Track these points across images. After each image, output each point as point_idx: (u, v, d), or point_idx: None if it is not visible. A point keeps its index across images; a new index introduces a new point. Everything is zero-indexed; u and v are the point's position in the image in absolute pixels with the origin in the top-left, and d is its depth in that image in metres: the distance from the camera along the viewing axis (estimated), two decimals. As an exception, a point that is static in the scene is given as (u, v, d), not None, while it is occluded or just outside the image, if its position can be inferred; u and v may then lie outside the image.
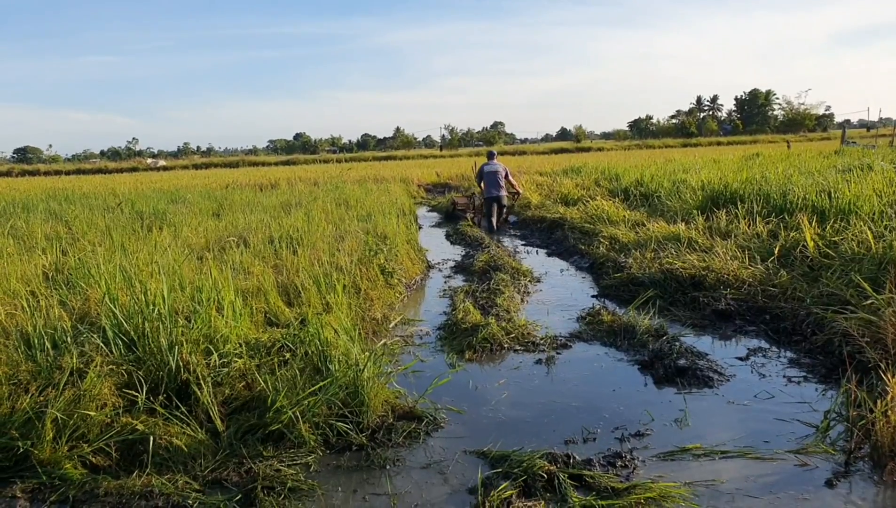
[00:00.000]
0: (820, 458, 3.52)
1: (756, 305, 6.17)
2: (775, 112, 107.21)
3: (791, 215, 8.50)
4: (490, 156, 13.47)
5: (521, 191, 14.02)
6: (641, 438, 3.87)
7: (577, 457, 3.55)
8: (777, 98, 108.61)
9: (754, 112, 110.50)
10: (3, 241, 8.83)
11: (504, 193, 12.86)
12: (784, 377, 4.74)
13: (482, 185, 13.07)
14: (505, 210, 13.29)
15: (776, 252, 7.03)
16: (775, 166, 14.82)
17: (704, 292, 6.62)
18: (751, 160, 19.47)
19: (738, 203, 9.58)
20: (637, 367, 5.07)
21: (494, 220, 12.94)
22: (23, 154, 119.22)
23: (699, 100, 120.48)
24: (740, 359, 5.14)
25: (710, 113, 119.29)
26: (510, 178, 13.06)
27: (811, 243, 6.91)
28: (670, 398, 4.47)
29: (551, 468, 3.41)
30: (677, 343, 5.25)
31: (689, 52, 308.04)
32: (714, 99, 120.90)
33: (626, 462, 3.54)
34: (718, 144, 63.63)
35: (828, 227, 7.37)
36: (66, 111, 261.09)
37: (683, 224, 9.22)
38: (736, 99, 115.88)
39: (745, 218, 8.85)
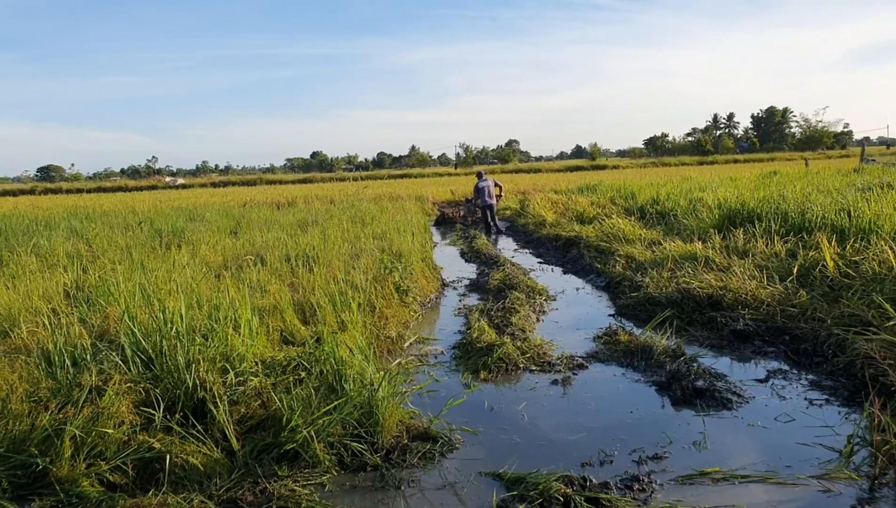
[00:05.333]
0: (843, 484, 3.45)
1: (775, 325, 6.10)
2: (792, 130, 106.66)
3: (810, 234, 8.42)
4: (479, 176, 17.07)
5: (503, 187, 18.06)
6: (659, 461, 3.82)
7: (594, 480, 3.51)
8: (794, 115, 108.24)
9: (771, 129, 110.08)
10: (27, 259, 8.96)
11: (494, 201, 16.69)
12: (805, 399, 4.67)
13: (478, 197, 16.73)
14: (496, 209, 17.05)
15: (795, 272, 6.96)
16: (793, 185, 14.70)
17: (722, 311, 6.56)
18: (768, 178, 19.36)
19: (756, 222, 9.51)
20: (654, 388, 5.02)
21: (490, 220, 16.66)
22: (46, 173, 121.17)
23: (715, 117, 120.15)
24: (760, 381, 5.07)
25: (727, 130, 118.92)
26: (495, 187, 16.83)
27: (831, 263, 6.84)
28: (688, 420, 4.41)
29: (567, 490, 3.38)
30: (695, 364, 5.20)
31: (704, 69, 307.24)
32: (730, 116, 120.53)
33: (644, 486, 3.49)
34: (735, 161, 63.32)
35: (848, 246, 7.29)
36: (88, 130, 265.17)
37: (700, 243, 9.16)
38: (752, 116, 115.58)
39: (762, 237, 8.78)
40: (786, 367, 5.35)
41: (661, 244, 9.68)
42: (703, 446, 3.99)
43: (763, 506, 3.29)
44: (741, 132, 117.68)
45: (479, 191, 16.56)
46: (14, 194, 57.01)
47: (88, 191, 56.87)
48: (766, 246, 8.39)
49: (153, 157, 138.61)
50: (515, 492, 3.45)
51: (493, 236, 15.86)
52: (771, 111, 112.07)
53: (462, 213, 19.48)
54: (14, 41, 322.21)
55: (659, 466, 3.76)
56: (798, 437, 4.06)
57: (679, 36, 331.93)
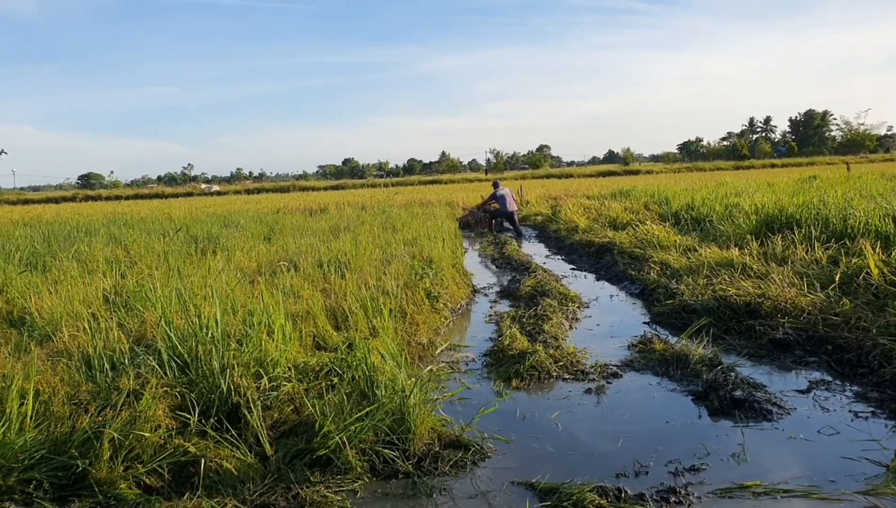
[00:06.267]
0: (891, 500, 3.33)
1: (816, 334, 5.95)
2: (832, 133, 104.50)
3: (852, 240, 8.21)
4: (495, 185, 18.41)
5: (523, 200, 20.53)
6: (696, 473, 3.73)
7: (629, 491, 3.45)
8: (834, 119, 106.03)
9: (810, 133, 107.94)
10: (68, 264, 9.16)
11: (516, 207, 17.78)
12: (850, 411, 4.53)
13: (495, 204, 17.76)
14: (517, 218, 17.88)
15: (837, 279, 6.78)
16: (834, 190, 14.37)
17: (760, 320, 6.41)
18: (807, 183, 18.96)
19: (795, 228, 9.31)
20: (691, 398, 4.92)
21: (510, 227, 17.78)
22: (86, 180, 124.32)
23: (751, 121, 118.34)
24: (801, 392, 4.94)
25: (763, 135, 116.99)
26: (515, 196, 18.36)
27: (875, 270, 6.65)
28: (726, 431, 4.31)
29: (602, 502, 3.32)
30: (733, 374, 5.08)
31: (739, 73, 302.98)
32: (767, 120, 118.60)
33: (681, 498, 3.41)
34: (772, 166, 62.26)
35: (893, 253, 7.09)
36: (126, 139, 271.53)
37: (737, 249, 9.00)
38: (790, 120, 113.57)
39: (802, 243, 8.58)
40: (828, 378, 5.21)
41: (697, 251, 9.54)
42: (742, 458, 3.89)
43: (805, 521, 3.20)
44: (779, 136, 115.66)
45: (499, 199, 17.64)
46: (56, 201, 58.39)
47: (126, 198, 58.04)
48: (806, 253, 8.20)
49: (189, 164, 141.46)
50: (549, 502, 3.40)
51: (518, 240, 16.48)
52: (810, 114, 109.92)
53: (478, 218, 19.70)
54: (58, 53, 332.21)
55: (696, 478, 3.67)
56: (842, 450, 3.93)
57: (714, 39, 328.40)
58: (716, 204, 13.78)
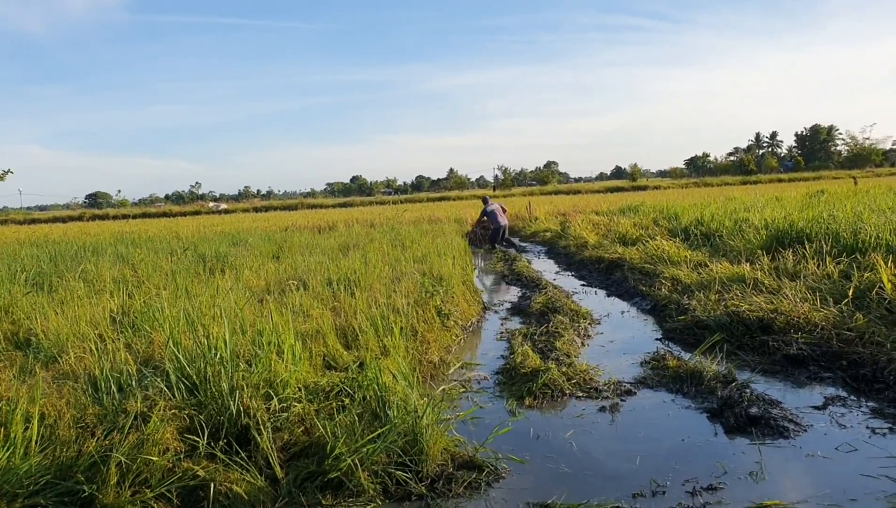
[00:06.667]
0: (914, 519, 3.25)
1: (831, 350, 5.86)
2: (838, 147, 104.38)
3: (864, 254, 8.13)
4: (485, 201, 18.68)
5: (506, 210, 18.98)
6: (714, 492, 3.66)
7: (647, 513, 3.38)
8: (840, 133, 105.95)
9: (816, 148, 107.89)
10: (75, 284, 9.15)
11: (506, 221, 17.79)
12: (867, 428, 4.44)
13: (487, 219, 17.92)
14: (507, 231, 17.99)
15: (850, 294, 6.69)
16: (843, 204, 14.28)
17: (774, 335, 6.33)
18: (815, 197, 18.86)
19: (806, 242, 9.23)
20: (706, 415, 4.84)
21: (501, 239, 17.63)
22: (93, 199, 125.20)
23: (758, 136, 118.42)
24: (817, 408, 4.85)
25: (770, 149, 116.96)
26: (505, 210, 18.08)
27: (888, 285, 6.57)
28: (743, 448, 4.23)
29: (620, 524, 3.25)
30: (747, 390, 5.00)
31: (745, 88, 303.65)
32: (773, 135, 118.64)
33: (700, 519, 3.34)
34: (779, 180, 62.11)
35: (906, 267, 7.00)
36: (134, 158, 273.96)
37: (748, 264, 8.92)
38: (796, 135, 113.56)
39: (813, 258, 8.50)
40: (844, 394, 5.12)
41: (707, 266, 9.46)
42: (759, 476, 3.81)
43: (829, 543, 3.12)
44: (785, 151, 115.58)
45: (489, 215, 17.89)
46: (64, 220, 58.70)
47: (134, 217, 58.36)
48: (818, 267, 8.12)
49: (196, 182, 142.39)
50: (565, 525, 3.33)
51: (502, 249, 17.27)
52: (815, 129, 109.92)
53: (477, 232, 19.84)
54: (66, 72, 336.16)
55: (714, 497, 3.60)
56: (862, 468, 3.85)
57: (719, 55, 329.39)
58: (725, 219, 13.70)
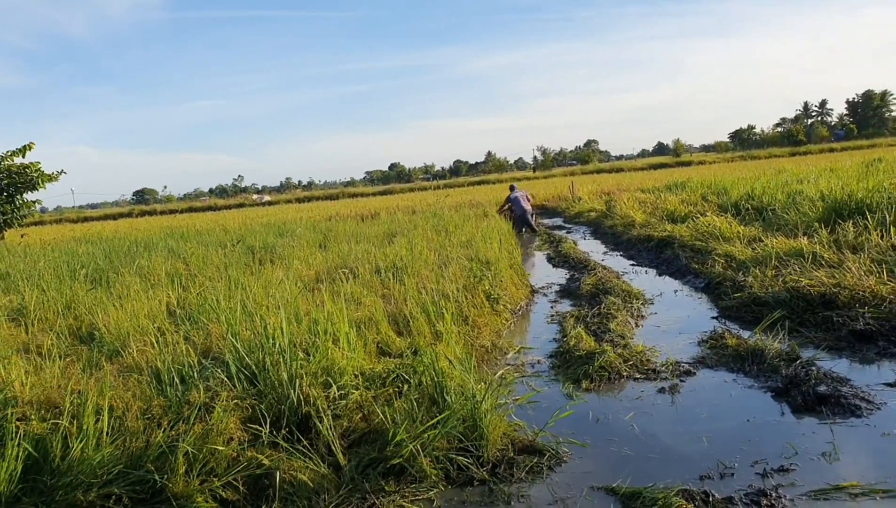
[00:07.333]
0: None
1: (900, 324, 5.65)
2: (893, 113, 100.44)
3: (932, 223, 7.80)
4: (511, 188, 19.34)
5: (530, 197, 19.57)
6: (786, 474, 3.55)
7: (717, 495, 3.30)
8: (894, 98, 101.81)
9: (869, 115, 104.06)
10: (131, 279, 9.38)
11: (529, 207, 18.36)
12: (944, 404, 4.27)
13: (511, 207, 18.39)
14: (533, 217, 18.57)
15: (919, 265, 6.43)
16: (903, 171, 13.74)
17: (837, 311, 6.12)
18: (873, 166, 18.19)
19: (867, 213, 8.90)
20: (770, 395, 4.70)
21: (524, 227, 18.09)
22: (140, 196, 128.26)
23: (806, 106, 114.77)
24: (889, 385, 4.67)
25: (819, 119, 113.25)
26: (527, 199, 18.55)
27: (959, 254, 6.28)
28: (813, 428, 4.10)
29: (689, 506, 3.18)
30: (813, 368, 4.84)
31: (792, 56, 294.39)
32: (823, 104, 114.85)
33: (773, 501, 3.24)
34: (831, 150, 60.16)
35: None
36: (178, 154, 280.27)
37: (805, 238, 8.64)
38: (847, 102, 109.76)
39: (876, 229, 8.18)
40: (917, 369, 4.93)
41: (762, 241, 9.20)
42: (833, 457, 3.69)
43: (910, 524, 3.00)
44: (835, 119, 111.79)
45: (513, 202, 18.57)
46: (114, 217, 60.45)
47: (181, 211, 59.69)
48: (882, 239, 7.82)
49: (239, 175, 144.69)
50: (633, 508, 3.28)
51: (527, 235, 17.72)
52: (868, 95, 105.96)
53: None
54: (111, 73, 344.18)
55: (786, 479, 3.49)
56: (942, 446, 3.70)
57: (763, 23, 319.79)
58: (777, 192, 13.32)
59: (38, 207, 18.91)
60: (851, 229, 8.53)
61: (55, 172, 18.71)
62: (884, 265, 6.71)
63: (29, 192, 17.99)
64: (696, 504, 3.22)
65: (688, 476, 3.60)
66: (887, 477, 3.39)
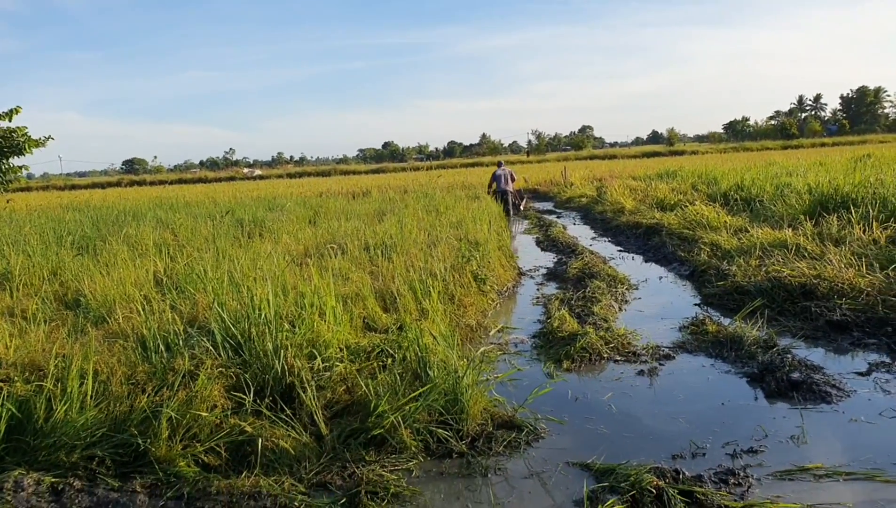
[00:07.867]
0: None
1: (876, 316, 5.76)
2: (886, 110, 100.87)
3: (914, 219, 7.90)
4: (499, 165, 18.75)
5: (515, 177, 18.95)
6: (755, 455, 3.65)
7: (687, 473, 3.39)
8: (888, 95, 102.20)
9: (862, 111, 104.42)
10: (118, 247, 9.36)
11: (510, 187, 17.88)
12: (913, 394, 4.37)
13: (494, 184, 17.99)
14: (511, 196, 17.92)
15: (898, 260, 6.54)
16: (891, 167, 13.87)
17: (816, 301, 6.23)
18: (861, 162, 18.33)
19: (851, 208, 9.00)
20: (746, 380, 4.81)
21: (505, 204, 17.24)
22: (130, 165, 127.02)
23: (800, 99, 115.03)
24: (860, 374, 4.79)
25: (813, 113, 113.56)
26: (512, 179, 18.13)
27: (939, 250, 6.39)
28: (784, 413, 4.21)
29: (660, 483, 3.27)
30: (789, 356, 4.96)
31: (788, 49, 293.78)
32: (817, 98, 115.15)
33: (740, 480, 3.34)
34: (822, 145, 60.47)
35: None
36: (169, 124, 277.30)
37: (790, 230, 8.75)
38: (841, 97, 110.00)
39: (859, 223, 8.30)
40: (888, 360, 5.05)
41: (748, 232, 9.32)
42: (801, 440, 3.80)
43: (870, 504, 3.10)
44: (829, 114, 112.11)
45: (496, 178, 18.24)
46: (102, 186, 59.79)
47: (171, 183, 59.24)
48: (864, 233, 7.93)
49: (230, 148, 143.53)
50: (605, 483, 3.36)
51: (511, 216, 17.27)
52: (862, 91, 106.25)
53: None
54: (102, 40, 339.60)
55: (755, 460, 3.60)
56: (907, 434, 3.81)
57: (762, 13, 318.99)
58: (766, 184, 13.43)
59: (24, 172, 18.61)
60: (835, 222, 8.64)
61: (43, 138, 18.43)
62: (864, 259, 6.82)
63: (15, 157, 17.72)
64: (667, 481, 3.31)
65: (661, 455, 3.70)
66: (851, 461, 3.51)
